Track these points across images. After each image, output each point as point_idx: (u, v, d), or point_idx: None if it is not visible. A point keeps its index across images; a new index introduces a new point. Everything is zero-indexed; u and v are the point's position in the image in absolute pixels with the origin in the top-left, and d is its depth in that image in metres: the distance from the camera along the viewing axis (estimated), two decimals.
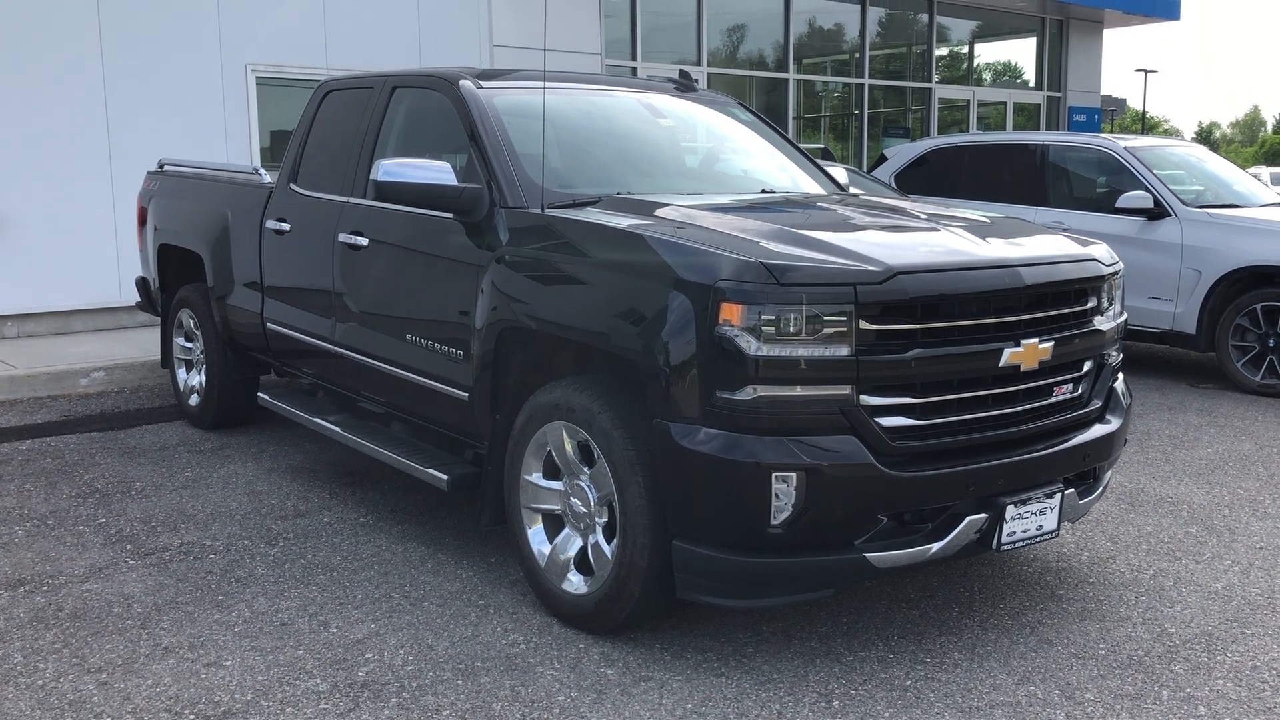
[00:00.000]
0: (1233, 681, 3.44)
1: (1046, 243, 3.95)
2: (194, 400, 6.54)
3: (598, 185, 4.39)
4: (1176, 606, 4.01)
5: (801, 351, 3.21)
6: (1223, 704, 3.30)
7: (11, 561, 4.38)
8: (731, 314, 3.21)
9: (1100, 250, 4.05)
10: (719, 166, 5.08)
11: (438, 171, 4.19)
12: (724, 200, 4.35)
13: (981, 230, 3.93)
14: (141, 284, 7.25)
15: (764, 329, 3.19)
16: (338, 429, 5.01)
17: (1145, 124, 63.60)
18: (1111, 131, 28.81)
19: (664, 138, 4.99)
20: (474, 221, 4.22)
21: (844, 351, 3.23)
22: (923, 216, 4.14)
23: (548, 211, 4.01)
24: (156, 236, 6.75)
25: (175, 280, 6.72)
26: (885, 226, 3.96)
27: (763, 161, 5.14)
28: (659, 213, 3.91)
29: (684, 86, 5.40)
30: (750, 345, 3.20)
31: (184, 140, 9.19)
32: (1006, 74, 18.67)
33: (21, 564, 4.35)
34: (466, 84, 4.62)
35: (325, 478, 5.52)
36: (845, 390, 3.26)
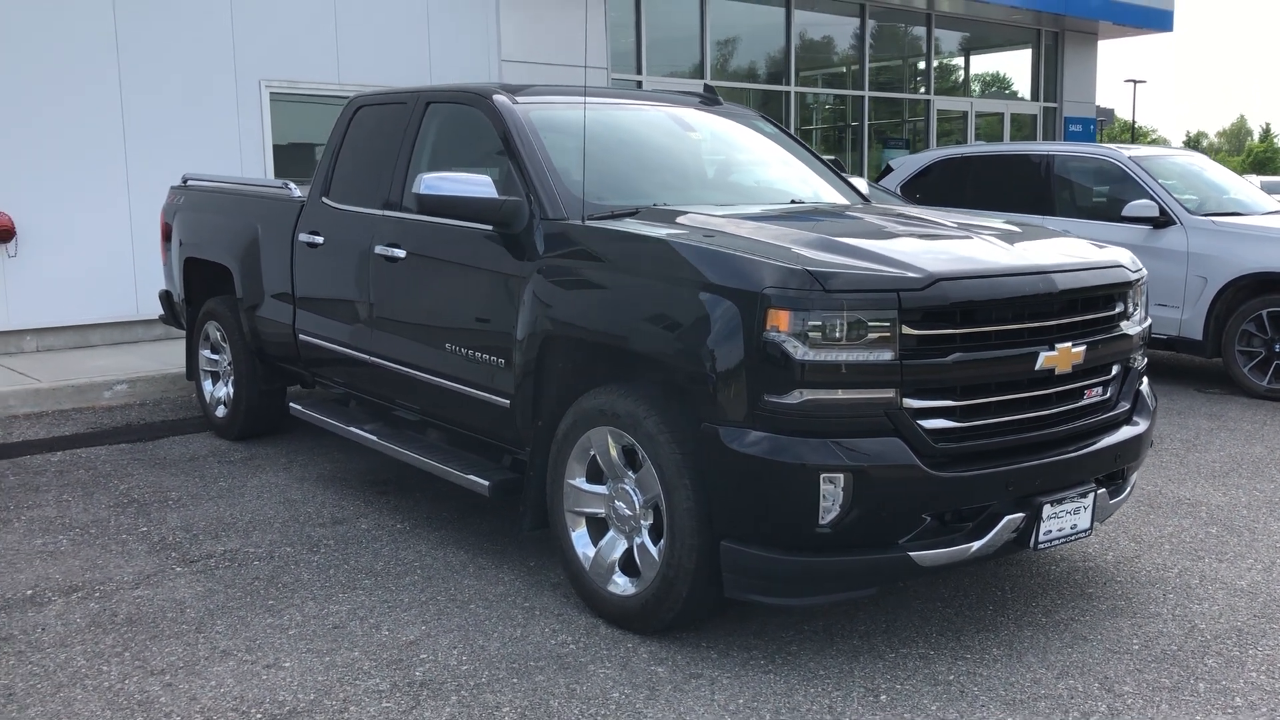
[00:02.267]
0: (1266, 674, 3.55)
1: (1075, 249, 4.07)
2: (220, 411, 6.62)
3: (632, 197, 4.50)
4: (1204, 603, 4.12)
5: (847, 356, 3.32)
6: (1258, 695, 3.41)
7: (61, 569, 4.46)
8: (779, 320, 3.32)
9: (1125, 256, 4.17)
10: (747, 178, 5.20)
11: (479, 185, 4.29)
12: (757, 210, 4.46)
13: (1012, 238, 4.05)
14: (165, 297, 7.34)
15: (810, 334, 3.30)
16: (374, 438, 5.10)
17: (1134, 134, 64.06)
18: (1101, 142, 29.00)
19: (693, 151, 5.10)
20: (514, 233, 4.32)
21: (888, 356, 3.34)
22: (952, 225, 4.26)
23: (588, 223, 4.11)
24: (182, 251, 6.84)
25: (201, 293, 6.80)
26: (919, 234, 4.08)
27: (788, 172, 5.26)
28: (698, 223, 4.02)
29: (709, 100, 5.52)
30: (797, 350, 3.30)
31: (199, 155, 9.29)
32: (1003, 85, 18.86)
33: (71, 571, 4.44)
34: (502, 99, 4.73)
35: (357, 486, 5.61)
36: (889, 393, 3.36)
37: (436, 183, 4.30)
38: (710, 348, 3.45)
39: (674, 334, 3.59)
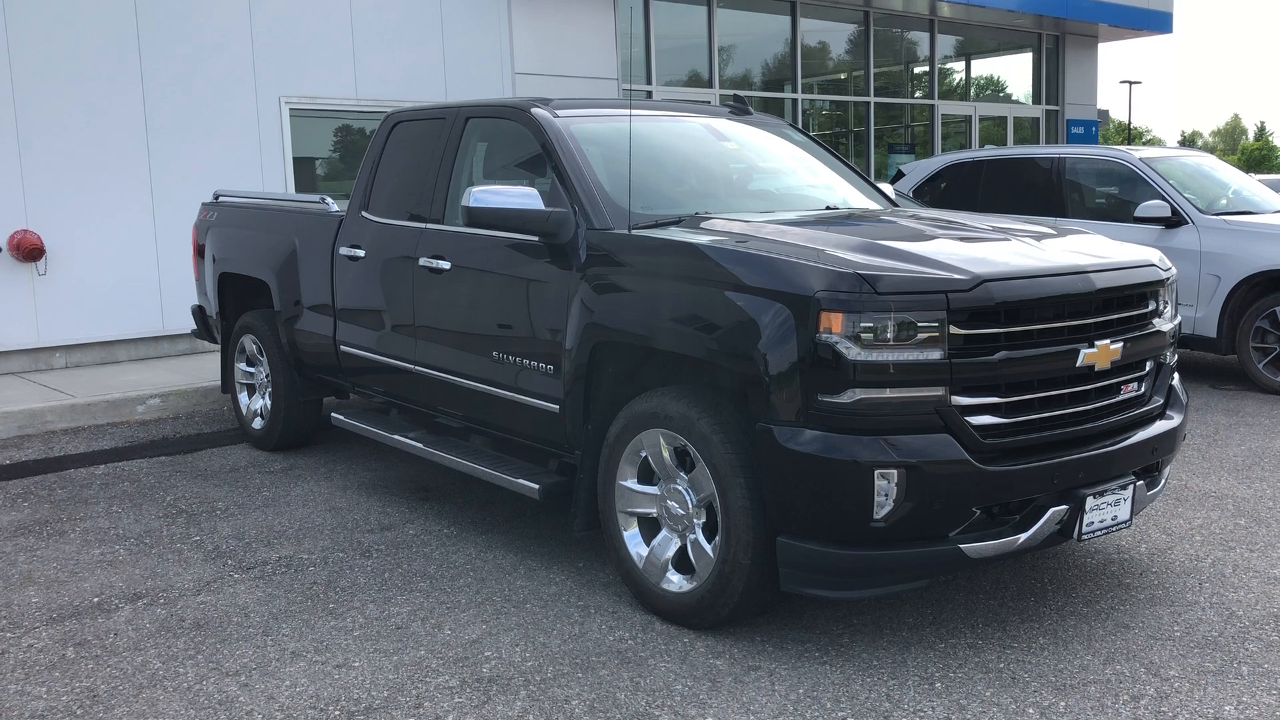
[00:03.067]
0: None
1: (1107, 249, 4.20)
2: (257, 423, 6.73)
3: (672, 206, 4.62)
4: (1239, 591, 4.24)
5: (898, 356, 3.44)
6: None
7: (123, 577, 4.57)
8: (832, 322, 3.44)
9: (1155, 255, 4.30)
10: (781, 185, 5.33)
11: (526, 197, 4.41)
12: (795, 217, 4.58)
13: (1047, 239, 4.18)
14: (198, 312, 7.47)
15: (863, 335, 3.42)
16: (421, 445, 5.21)
17: (1130, 135, 64.31)
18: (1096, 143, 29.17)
19: (729, 159, 5.23)
20: (560, 244, 4.44)
21: (936, 355, 3.46)
22: (987, 227, 4.38)
23: (634, 232, 4.24)
24: (216, 266, 6.96)
25: (236, 308, 6.93)
26: (957, 237, 4.20)
27: (819, 179, 5.39)
28: (742, 230, 4.14)
29: (739, 110, 5.66)
30: (850, 351, 3.42)
31: (221, 171, 9.43)
32: (1005, 89, 19.03)
33: (133, 579, 4.55)
34: (542, 112, 4.86)
35: (399, 493, 5.73)
36: (939, 391, 3.49)
37: (484, 195, 4.41)
38: (763, 351, 3.57)
39: (726, 338, 3.71)
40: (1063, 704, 3.38)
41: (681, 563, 4.00)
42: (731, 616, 3.84)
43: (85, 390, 7.92)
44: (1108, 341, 3.81)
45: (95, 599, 4.35)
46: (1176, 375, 4.42)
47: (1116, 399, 3.95)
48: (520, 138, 4.95)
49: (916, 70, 17.20)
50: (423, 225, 5.21)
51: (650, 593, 4.06)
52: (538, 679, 3.59)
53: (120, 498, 5.75)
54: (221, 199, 7.27)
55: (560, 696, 3.47)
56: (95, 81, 8.99)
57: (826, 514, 3.52)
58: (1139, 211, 8.50)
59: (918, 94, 17.14)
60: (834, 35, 15.92)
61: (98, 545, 4.98)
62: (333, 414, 5.96)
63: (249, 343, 6.72)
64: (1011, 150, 10.34)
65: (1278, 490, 5.55)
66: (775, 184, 5.30)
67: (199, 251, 7.25)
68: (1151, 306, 4.10)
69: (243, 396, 6.89)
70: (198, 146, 9.50)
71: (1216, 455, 6.26)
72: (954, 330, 3.48)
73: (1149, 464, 4.10)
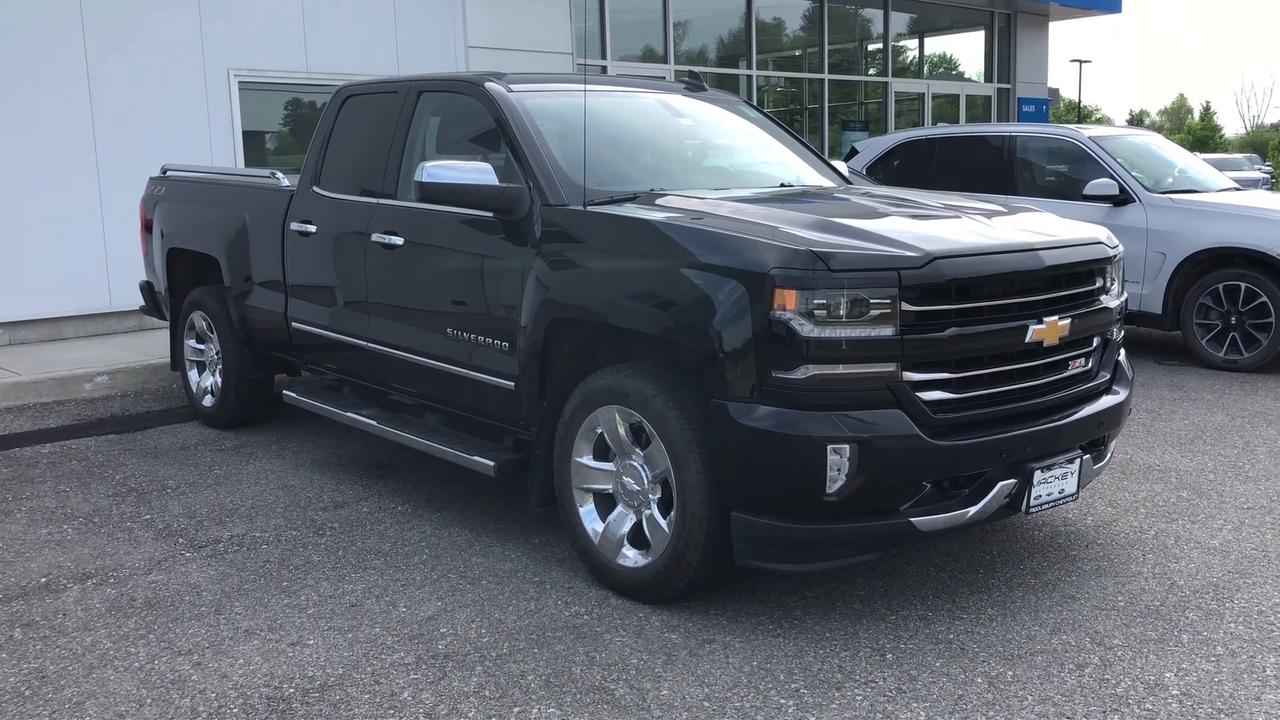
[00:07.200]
0: (1243, 625, 3.77)
1: (1056, 227, 4.26)
2: (208, 401, 6.66)
3: (627, 183, 4.61)
4: (1181, 562, 4.35)
5: (850, 332, 3.47)
6: (1238, 644, 3.62)
7: (71, 557, 4.51)
8: (785, 299, 3.46)
9: (1103, 233, 4.37)
10: (736, 162, 5.34)
11: (480, 172, 4.39)
12: (750, 194, 4.60)
13: (998, 216, 4.23)
14: (146, 288, 7.35)
15: (816, 312, 3.45)
16: (374, 422, 5.18)
17: (1081, 114, 64.97)
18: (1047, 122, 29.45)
19: (684, 136, 5.23)
20: (514, 220, 4.42)
21: (888, 331, 3.50)
22: (939, 205, 4.43)
23: (589, 208, 4.23)
24: (165, 242, 6.85)
25: (185, 284, 6.83)
26: (910, 215, 4.23)
27: (775, 156, 5.40)
28: (698, 207, 4.15)
29: (694, 87, 5.65)
30: (803, 327, 3.45)
31: (169, 145, 9.26)
32: (958, 67, 19.16)
33: (81, 559, 4.49)
34: (496, 87, 4.82)
35: (353, 471, 5.70)
36: (890, 367, 3.53)
37: (438, 171, 4.38)
38: (718, 327, 3.59)
39: (681, 315, 3.72)
40: (1010, 673, 3.45)
41: (637, 538, 4.02)
42: (686, 591, 3.87)
43: (31, 368, 7.78)
44: (1056, 318, 3.87)
45: (43, 579, 4.29)
46: (1123, 351, 4.50)
47: (1064, 374, 4.02)
48: (474, 112, 4.91)
49: (871, 48, 17.28)
50: (375, 200, 5.16)
51: (606, 568, 4.08)
52: (493, 654, 3.60)
53: (68, 477, 5.66)
54: (170, 173, 7.16)
55: (516, 671, 3.48)
56: (36, 53, 8.77)
57: (780, 489, 3.55)
58: (1087, 190, 8.63)
59: (872, 71, 17.23)
60: (789, 12, 15.94)
61: (45, 525, 4.91)
62: (284, 391, 5.91)
63: (199, 319, 6.63)
64: (964, 128, 10.44)
65: (1218, 463, 5.68)
66: (730, 161, 5.30)
67: (147, 227, 7.13)
68: (1099, 283, 4.17)
69: (193, 374, 6.81)
70: (144, 119, 9.32)
71: (1161, 429, 6.38)
72: (905, 307, 3.52)
73: (1095, 438, 4.18)
